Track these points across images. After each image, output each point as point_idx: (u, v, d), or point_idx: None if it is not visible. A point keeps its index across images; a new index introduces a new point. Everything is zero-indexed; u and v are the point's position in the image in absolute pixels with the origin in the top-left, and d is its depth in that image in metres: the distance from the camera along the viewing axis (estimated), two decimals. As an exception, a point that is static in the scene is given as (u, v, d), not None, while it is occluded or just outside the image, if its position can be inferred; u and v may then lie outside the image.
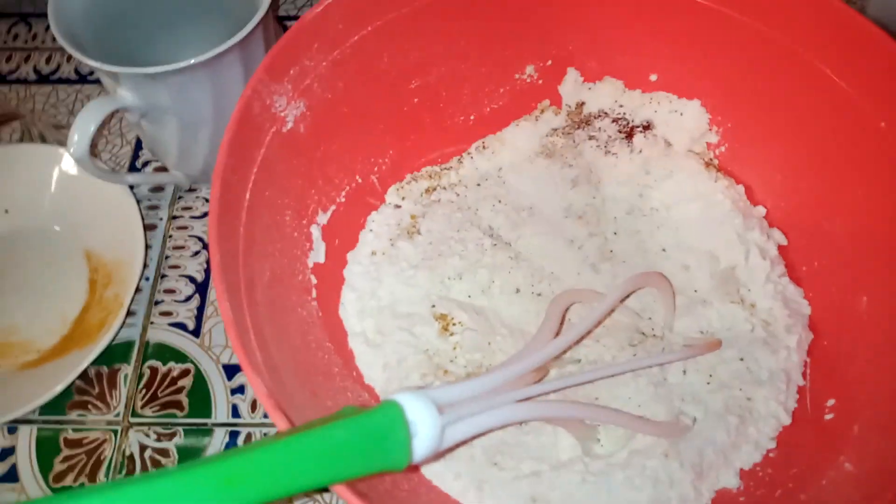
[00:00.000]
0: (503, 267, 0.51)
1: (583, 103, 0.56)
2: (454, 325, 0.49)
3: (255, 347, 0.37)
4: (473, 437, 0.40)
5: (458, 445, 0.41)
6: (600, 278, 0.51)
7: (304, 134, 0.46)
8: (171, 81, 0.47)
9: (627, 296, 0.48)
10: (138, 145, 0.63)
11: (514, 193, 0.55)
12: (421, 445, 0.31)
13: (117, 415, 0.51)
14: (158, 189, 0.60)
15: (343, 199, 0.51)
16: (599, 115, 0.56)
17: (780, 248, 0.50)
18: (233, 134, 0.40)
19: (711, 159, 0.54)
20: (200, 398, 0.52)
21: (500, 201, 0.55)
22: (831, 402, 0.43)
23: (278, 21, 0.64)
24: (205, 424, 0.51)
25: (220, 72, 0.48)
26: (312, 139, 0.47)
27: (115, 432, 0.50)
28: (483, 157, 0.57)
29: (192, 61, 0.46)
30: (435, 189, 0.55)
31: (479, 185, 0.56)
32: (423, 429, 0.31)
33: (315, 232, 0.49)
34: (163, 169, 0.60)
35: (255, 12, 0.48)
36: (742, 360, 0.46)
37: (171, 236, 0.59)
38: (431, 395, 0.33)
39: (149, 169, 0.62)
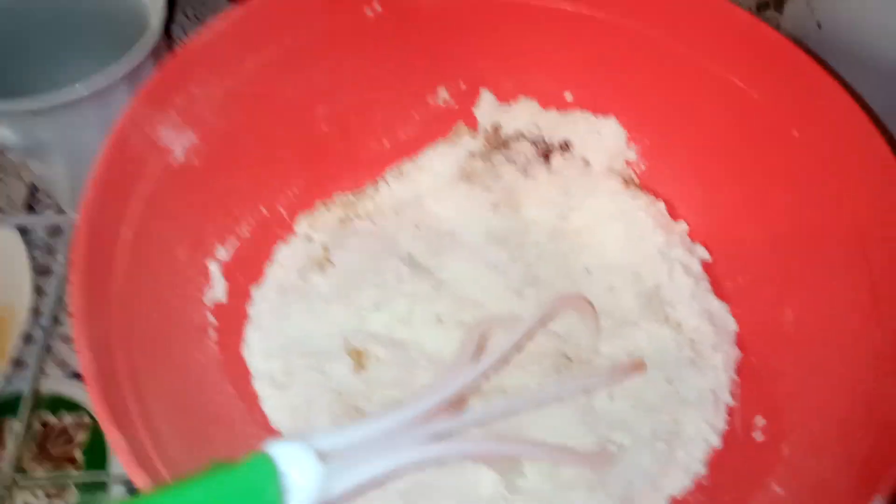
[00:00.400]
0: (424, 295, 0.48)
1: (499, 125, 0.54)
2: (369, 360, 0.46)
3: (125, 399, 0.33)
4: (375, 484, 0.37)
5: (368, 488, 0.38)
6: (525, 304, 0.48)
7: (198, 167, 0.44)
8: (54, 116, 0.44)
9: (550, 320, 0.46)
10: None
11: (434, 219, 0.53)
12: (296, 502, 0.28)
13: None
14: (56, 232, 0.57)
15: (247, 233, 0.48)
16: (516, 137, 0.54)
17: (705, 264, 0.49)
18: (103, 170, 0.37)
19: (631, 177, 0.53)
20: (97, 452, 0.48)
21: (418, 228, 0.53)
22: (761, 421, 0.41)
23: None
24: (101, 480, 0.47)
25: (108, 103, 0.45)
26: (209, 172, 0.44)
27: None
28: (400, 183, 0.54)
29: (75, 94, 0.43)
30: (349, 218, 0.53)
31: (396, 212, 0.53)
32: (300, 483, 0.28)
33: (214, 268, 0.45)
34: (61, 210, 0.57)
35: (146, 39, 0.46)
36: (669, 381, 0.44)
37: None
38: (314, 441, 0.30)
39: (50, 210, 0.59)
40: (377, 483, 0.36)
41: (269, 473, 0.27)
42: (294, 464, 0.29)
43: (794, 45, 0.43)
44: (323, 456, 0.31)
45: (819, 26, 0.56)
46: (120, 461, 0.31)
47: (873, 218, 0.40)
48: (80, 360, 0.33)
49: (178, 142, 0.42)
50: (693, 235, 0.50)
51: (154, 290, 0.40)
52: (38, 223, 0.54)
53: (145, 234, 0.40)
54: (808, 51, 0.43)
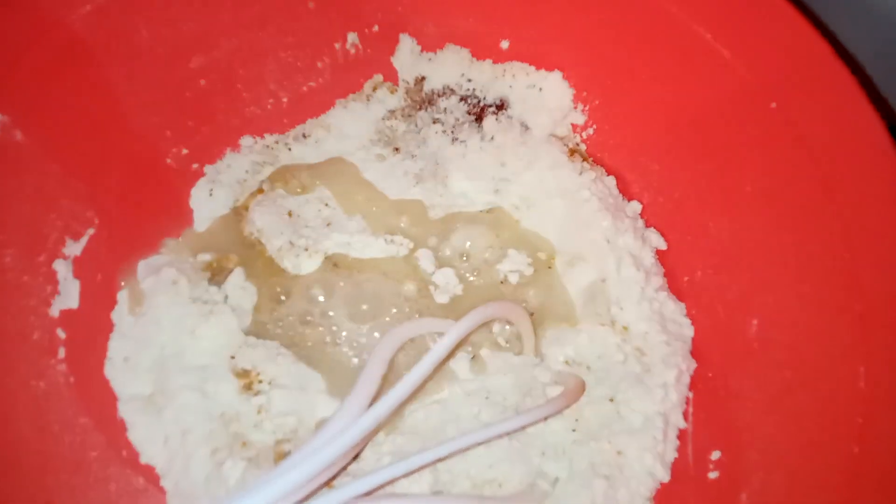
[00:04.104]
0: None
1: (423, 78, 0.45)
2: (260, 381, 0.38)
3: None
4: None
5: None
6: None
7: (23, 142, 0.34)
8: None
9: (474, 329, 0.38)
10: None
11: (345, 193, 0.44)
12: None
13: None
14: None
15: (104, 220, 0.39)
16: (444, 93, 0.45)
17: (659, 253, 0.42)
18: None
19: (577, 144, 0.44)
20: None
21: (326, 205, 0.44)
22: (717, 454, 0.35)
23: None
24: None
25: None
26: (39, 147, 0.35)
27: None
28: (304, 146, 0.45)
29: None
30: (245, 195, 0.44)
31: (299, 184, 0.44)
32: None
33: (62, 269, 0.37)
34: None
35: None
36: (612, 400, 0.38)
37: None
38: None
39: None
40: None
41: None
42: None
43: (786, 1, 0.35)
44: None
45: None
46: None
47: (863, 208, 0.33)
48: None
49: (-13, 114, 0.32)
50: (646, 216, 0.42)
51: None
52: None
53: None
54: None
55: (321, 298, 0.40)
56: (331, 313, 0.40)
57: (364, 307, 0.40)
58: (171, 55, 0.39)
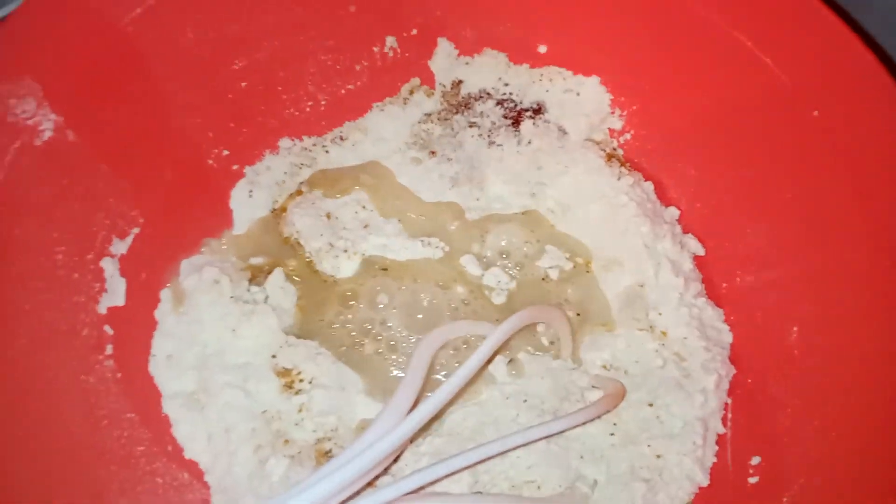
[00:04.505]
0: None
1: (460, 82, 0.45)
2: (301, 381, 0.39)
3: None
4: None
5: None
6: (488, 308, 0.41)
7: (75, 142, 0.35)
8: None
9: (514, 332, 0.39)
10: None
11: (381, 197, 0.45)
12: None
13: None
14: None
15: (149, 219, 0.39)
16: (481, 97, 0.45)
17: (697, 259, 0.42)
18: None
19: (615, 149, 0.44)
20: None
21: (363, 207, 0.44)
22: (756, 459, 0.36)
23: None
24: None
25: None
26: (90, 147, 0.35)
27: None
28: (341, 149, 0.46)
29: None
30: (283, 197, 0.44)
31: (336, 187, 0.45)
32: None
33: (109, 267, 0.37)
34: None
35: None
36: (651, 405, 0.38)
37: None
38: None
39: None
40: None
41: None
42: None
43: (823, 3, 0.35)
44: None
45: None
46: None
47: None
48: None
49: (44, 115, 0.33)
50: (684, 222, 0.43)
51: (21, 307, 0.32)
52: None
53: (2, 237, 0.31)
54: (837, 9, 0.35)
55: (360, 303, 0.40)
56: (376, 317, 0.40)
57: (419, 316, 0.40)
58: (215, 57, 0.40)
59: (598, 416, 0.36)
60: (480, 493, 0.36)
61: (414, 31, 0.44)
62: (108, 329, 0.37)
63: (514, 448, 0.35)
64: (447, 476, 0.35)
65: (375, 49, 0.44)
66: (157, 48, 0.37)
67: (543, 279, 0.42)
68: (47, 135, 0.33)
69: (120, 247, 0.38)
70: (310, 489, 0.31)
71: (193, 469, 0.37)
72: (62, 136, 0.34)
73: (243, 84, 0.42)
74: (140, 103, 0.37)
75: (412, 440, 0.37)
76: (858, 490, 0.30)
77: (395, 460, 0.37)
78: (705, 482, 0.36)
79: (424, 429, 0.38)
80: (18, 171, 0.32)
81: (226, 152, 0.43)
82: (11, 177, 0.31)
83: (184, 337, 0.39)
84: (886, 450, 0.30)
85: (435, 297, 0.41)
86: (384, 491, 0.33)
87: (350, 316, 0.41)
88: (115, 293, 0.38)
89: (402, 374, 0.36)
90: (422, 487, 0.34)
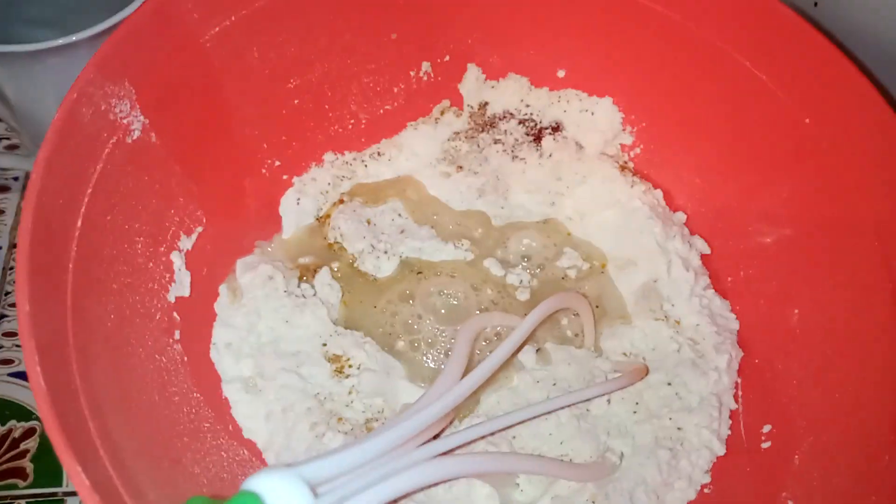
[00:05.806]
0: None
1: (486, 103, 0.51)
2: (349, 366, 0.42)
3: (80, 410, 0.29)
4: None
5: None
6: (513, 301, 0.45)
7: (156, 143, 0.39)
8: (51, 62, 0.40)
9: (544, 319, 0.43)
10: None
11: (414, 206, 0.49)
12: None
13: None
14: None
15: (211, 219, 0.43)
16: (505, 117, 0.51)
17: (704, 257, 0.46)
18: (53, 148, 0.32)
19: (626, 162, 0.50)
20: (48, 464, 0.43)
21: (399, 215, 0.49)
22: (767, 427, 0.39)
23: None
24: (54, 495, 0.42)
25: (70, 68, 0.40)
26: (167, 149, 0.39)
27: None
28: (378, 164, 0.50)
29: (74, 38, 0.39)
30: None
31: (374, 197, 0.49)
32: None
33: (177, 260, 0.41)
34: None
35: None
36: (670, 384, 0.42)
37: (12, 268, 0.50)
38: (302, 472, 0.26)
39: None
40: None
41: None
42: (284, 499, 0.26)
43: (807, 23, 0.40)
44: (314, 486, 0.28)
45: (815, 4, 0.54)
46: (73, 484, 0.27)
47: (891, 201, 0.38)
48: (27, 364, 0.28)
49: (135, 117, 0.37)
50: (691, 225, 0.47)
51: (110, 286, 0.36)
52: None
53: (99, 221, 0.35)
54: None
55: (399, 299, 0.45)
56: (413, 312, 0.44)
57: (452, 312, 0.44)
58: (274, 75, 0.44)
59: (630, 384, 0.40)
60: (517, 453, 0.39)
61: (447, 58, 0.49)
62: (176, 316, 0.40)
63: (558, 409, 0.38)
64: (485, 437, 0.38)
65: (412, 73, 0.49)
66: (227, 65, 0.41)
67: (563, 278, 0.47)
68: (136, 134, 0.37)
69: (186, 243, 0.42)
70: (364, 444, 0.33)
71: (251, 447, 0.40)
72: (147, 136, 0.38)
73: (296, 101, 0.46)
74: (209, 113, 0.42)
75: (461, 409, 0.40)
76: (861, 440, 0.34)
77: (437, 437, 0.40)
78: (722, 451, 0.40)
79: (462, 412, 0.42)
80: (113, 164, 0.36)
81: (277, 163, 0.47)
82: (108, 168, 0.35)
83: (241, 327, 0.43)
84: (883, 404, 0.34)
85: (467, 295, 0.45)
86: (426, 447, 0.36)
87: (390, 311, 0.45)
88: (182, 284, 0.41)
89: (437, 366, 0.39)
90: (460, 447, 0.37)
